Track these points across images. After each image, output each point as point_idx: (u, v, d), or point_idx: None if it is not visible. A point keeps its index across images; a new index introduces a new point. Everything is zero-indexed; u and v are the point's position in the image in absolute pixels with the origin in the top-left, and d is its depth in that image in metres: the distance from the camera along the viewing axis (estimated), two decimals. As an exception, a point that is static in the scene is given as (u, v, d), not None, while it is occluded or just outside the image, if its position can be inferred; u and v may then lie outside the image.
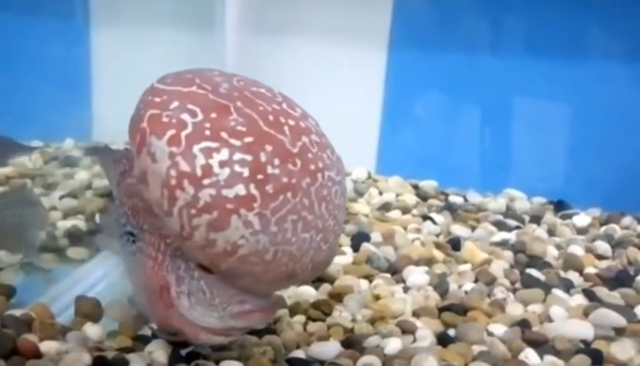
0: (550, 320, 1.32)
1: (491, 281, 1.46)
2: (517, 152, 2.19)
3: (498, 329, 1.26)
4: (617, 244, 1.72)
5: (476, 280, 1.47)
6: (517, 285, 1.47)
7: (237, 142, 0.88)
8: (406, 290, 1.40)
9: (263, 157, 0.88)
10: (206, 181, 0.86)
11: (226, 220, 0.87)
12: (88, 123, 2.09)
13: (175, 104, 0.90)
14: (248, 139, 0.88)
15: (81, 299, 1.25)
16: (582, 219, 1.89)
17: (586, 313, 1.34)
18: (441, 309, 1.32)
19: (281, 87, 2.09)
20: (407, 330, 1.23)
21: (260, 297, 0.98)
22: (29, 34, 1.94)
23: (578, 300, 1.40)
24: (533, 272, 1.51)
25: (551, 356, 1.18)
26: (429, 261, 1.53)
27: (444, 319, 1.29)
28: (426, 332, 1.23)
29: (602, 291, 1.44)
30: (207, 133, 0.88)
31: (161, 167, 0.87)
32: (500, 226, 1.81)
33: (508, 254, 1.61)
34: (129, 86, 2.03)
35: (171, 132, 0.88)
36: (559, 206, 1.99)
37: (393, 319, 1.28)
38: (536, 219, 1.89)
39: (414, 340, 1.22)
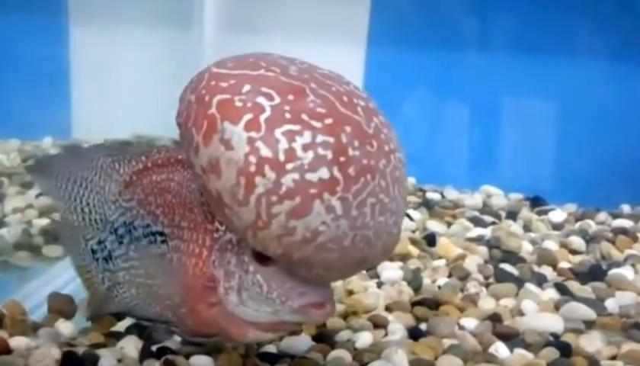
0: (521, 314, 1.33)
1: (465, 276, 1.47)
2: (496, 149, 2.21)
3: (470, 322, 1.27)
4: (591, 239, 1.74)
5: (450, 276, 1.48)
6: (491, 280, 1.48)
7: (318, 124, 0.84)
8: (380, 285, 1.41)
9: (344, 138, 0.85)
10: (289, 166, 0.83)
11: (309, 206, 0.83)
12: (67, 121, 2.09)
13: (247, 87, 0.86)
14: (329, 121, 0.85)
15: (55, 296, 1.25)
16: (558, 215, 1.91)
17: (557, 307, 1.35)
18: (414, 304, 1.33)
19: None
20: (378, 324, 1.24)
21: (321, 289, 0.93)
22: (7, 32, 1.94)
23: (550, 294, 1.42)
24: (507, 267, 1.53)
25: (520, 349, 1.19)
26: (404, 257, 1.55)
27: (416, 314, 1.30)
28: (397, 326, 1.23)
29: (574, 285, 1.46)
30: (287, 116, 0.84)
31: (239, 153, 0.83)
32: (477, 222, 1.82)
33: (483, 249, 1.63)
34: (108, 84, 2.05)
35: (247, 116, 0.84)
36: (535, 202, 2.01)
37: (366, 313, 1.29)
38: (512, 215, 1.90)
39: (386, 334, 1.23)
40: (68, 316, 1.22)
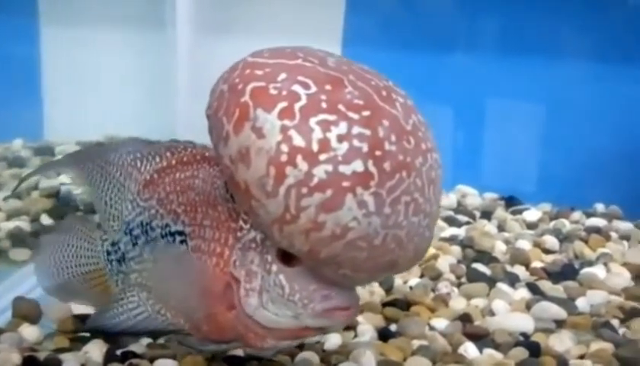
0: (492, 314, 1.33)
1: (437, 276, 1.47)
2: (473, 149, 2.20)
3: (440, 323, 1.27)
4: (565, 238, 1.74)
5: (422, 276, 1.47)
6: (463, 280, 1.48)
7: (355, 116, 0.82)
8: (351, 286, 1.40)
9: (381, 132, 0.82)
10: (322, 157, 0.80)
11: (340, 200, 0.80)
12: (38, 122, 2.07)
13: (283, 75, 0.83)
14: (366, 113, 0.82)
15: (19, 300, 1.23)
16: (532, 214, 1.91)
17: (528, 307, 1.35)
18: (384, 305, 1.32)
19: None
20: (348, 325, 1.23)
21: (346, 292, 0.90)
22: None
23: (522, 293, 1.41)
24: (479, 267, 1.52)
25: (490, 349, 1.19)
26: (376, 258, 1.54)
27: (386, 314, 1.29)
28: (367, 327, 1.23)
29: (545, 285, 1.46)
30: (324, 105, 0.82)
31: (270, 142, 0.81)
32: (451, 221, 1.82)
33: (456, 249, 1.62)
34: (80, 85, 2.03)
35: (282, 104, 0.82)
36: (510, 202, 2.01)
37: (336, 315, 1.28)
38: (487, 214, 1.90)
39: (355, 335, 1.22)
40: (33, 320, 1.20)
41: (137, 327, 1.05)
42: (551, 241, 1.71)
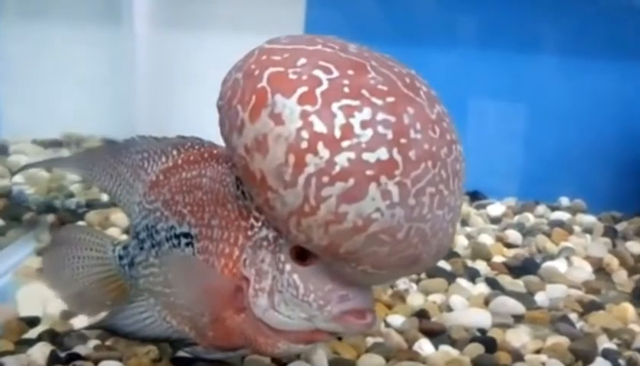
0: (450, 310, 1.31)
1: (396, 272, 1.45)
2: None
3: (396, 319, 1.25)
4: (528, 232, 1.73)
5: (381, 272, 1.45)
6: (422, 276, 1.46)
7: (379, 102, 0.77)
8: (308, 283, 1.38)
9: (406, 119, 0.77)
10: (345, 144, 0.75)
11: (363, 189, 0.75)
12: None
13: (303, 60, 0.79)
14: (390, 99, 0.78)
15: (-37, 302, 1.20)
16: (496, 208, 1.90)
17: (487, 302, 1.34)
18: (341, 302, 1.30)
19: (194, 82, 2.06)
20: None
21: (363, 293, 0.85)
22: None
23: (481, 288, 1.40)
24: (439, 262, 1.50)
25: (446, 346, 1.18)
26: (336, 254, 1.51)
27: (342, 312, 1.26)
28: (322, 325, 1.20)
29: (505, 279, 1.45)
30: (346, 90, 0.77)
31: (289, 128, 0.76)
32: (414, 217, 1.80)
33: (417, 245, 1.60)
34: (36, 82, 1.98)
35: (302, 89, 0.77)
36: (475, 196, 2.00)
37: (291, 313, 1.25)
38: (451, 209, 1.88)
39: (309, 334, 1.19)
40: (-23, 324, 1.16)
41: (144, 332, 1.00)
42: (513, 235, 1.70)
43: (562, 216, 1.88)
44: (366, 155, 0.75)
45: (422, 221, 0.78)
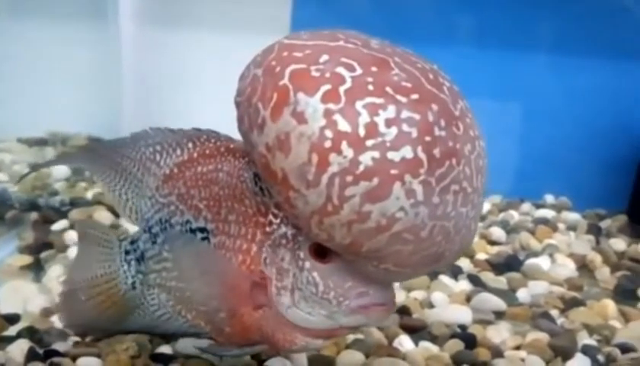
0: (431, 306, 1.32)
1: (379, 269, 1.45)
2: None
3: (377, 316, 1.25)
4: (512, 230, 1.74)
5: (364, 269, 1.46)
6: (405, 273, 1.46)
7: (403, 99, 0.76)
8: (291, 280, 1.38)
9: (430, 116, 0.76)
10: (369, 142, 0.74)
11: (388, 188, 0.74)
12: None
13: (325, 57, 0.78)
14: (415, 96, 0.76)
15: (-59, 300, 1.19)
16: (481, 206, 1.90)
17: (468, 299, 1.34)
18: (323, 299, 1.30)
19: (180, 79, 2.05)
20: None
21: (383, 289, 0.85)
22: None
23: (463, 285, 1.41)
24: (423, 259, 1.51)
25: (426, 342, 1.18)
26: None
27: (323, 309, 1.27)
28: (302, 321, 1.20)
29: (488, 276, 1.45)
30: (370, 87, 0.76)
31: (312, 127, 0.75)
32: (399, 215, 1.80)
33: (401, 242, 1.60)
34: (20, 81, 1.98)
35: (325, 87, 0.76)
36: (460, 194, 2.00)
37: (271, 309, 1.25)
38: (436, 207, 1.89)
39: (290, 330, 1.19)
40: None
41: (161, 328, 1.00)
42: (498, 233, 1.71)
43: (547, 213, 1.89)
44: (390, 154, 0.74)
45: (446, 219, 0.77)
